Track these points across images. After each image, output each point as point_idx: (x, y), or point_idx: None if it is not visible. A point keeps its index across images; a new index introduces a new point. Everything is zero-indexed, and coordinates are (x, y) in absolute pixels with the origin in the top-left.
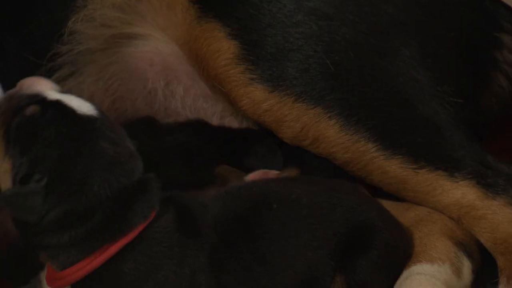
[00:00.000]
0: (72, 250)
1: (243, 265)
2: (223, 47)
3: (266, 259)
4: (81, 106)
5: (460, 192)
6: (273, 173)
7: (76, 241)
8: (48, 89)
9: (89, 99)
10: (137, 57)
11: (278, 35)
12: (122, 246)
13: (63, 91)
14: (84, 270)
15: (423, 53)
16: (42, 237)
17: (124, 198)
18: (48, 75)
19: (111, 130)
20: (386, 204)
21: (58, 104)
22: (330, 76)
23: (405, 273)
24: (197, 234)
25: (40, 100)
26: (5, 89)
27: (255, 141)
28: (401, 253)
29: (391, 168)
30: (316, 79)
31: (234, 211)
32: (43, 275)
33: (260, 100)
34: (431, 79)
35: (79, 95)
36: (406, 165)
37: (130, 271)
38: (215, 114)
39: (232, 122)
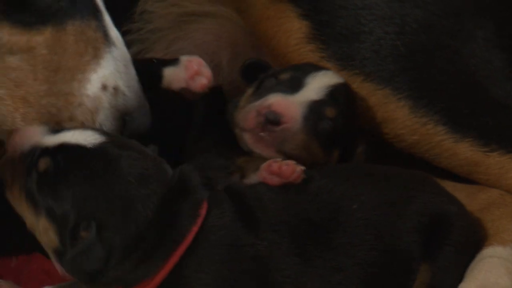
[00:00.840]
0: (135, 272)
1: (319, 273)
2: (294, 26)
3: (345, 265)
4: (85, 137)
5: None
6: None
7: (137, 265)
8: (42, 135)
9: None
10: (204, 33)
11: (350, 17)
12: (182, 254)
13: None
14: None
15: (499, 34)
16: (108, 275)
17: (168, 206)
18: None
19: (126, 147)
20: (457, 186)
21: (63, 147)
22: (401, 58)
23: (478, 256)
24: (259, 230)
25: (43, 151)
26: None
27: None
28: (477, 237)
29: (461, 150)
30: (387, 60)
31: (307, 217)
32: None
33: None
34: (506, 61)
35: None
36: (476, 148)
37: (195, 277)
38: None
39: None
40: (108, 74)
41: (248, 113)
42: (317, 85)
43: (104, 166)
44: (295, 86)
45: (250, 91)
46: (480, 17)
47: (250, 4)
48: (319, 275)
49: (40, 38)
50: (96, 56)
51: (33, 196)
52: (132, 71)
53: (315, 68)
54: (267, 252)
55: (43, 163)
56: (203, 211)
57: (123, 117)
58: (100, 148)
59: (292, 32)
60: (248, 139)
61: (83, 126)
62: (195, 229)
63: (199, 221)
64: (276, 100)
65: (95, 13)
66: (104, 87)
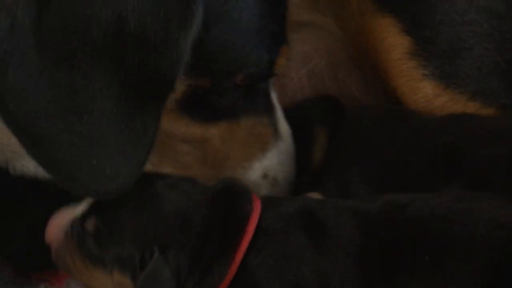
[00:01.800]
0: (206, 280)
1: None
2: (397, 41)
3: None
4: None
5: None
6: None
7: (205, 274)
8: (77, 209)
9: None
10: (302, 42)
11: (450, 33)
12: (243, 254)
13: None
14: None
15: None
16: None
17: (219, 211)
18: None
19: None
20: None
21: (98, 203)
22: (503, 75)
23: None
24: (324, 245)
25: (83, 217)
26: None
27: None
28: None
29: None
30: (489, 78)
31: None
32: None
33: (433, 96)
34: None
35: None
36: None
37: (259, 275)
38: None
39: None
40: (270, 165)
41: None
42: None
43: (144, 193)
44: None
45: None
46: None
47: (351, 14)
48: None
49: (215, 131)
50: (263, 149)
51: (97, 258)
52: (292, 164)
53: None
54: (330, 270)
55: (91, 225)
56: (254, 212)
57: None
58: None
59: (395, 47)
60: None
61: None
62: (250, 229)
63: (253, 222)
64: None
65: (270, 110)
66: (264, 176)
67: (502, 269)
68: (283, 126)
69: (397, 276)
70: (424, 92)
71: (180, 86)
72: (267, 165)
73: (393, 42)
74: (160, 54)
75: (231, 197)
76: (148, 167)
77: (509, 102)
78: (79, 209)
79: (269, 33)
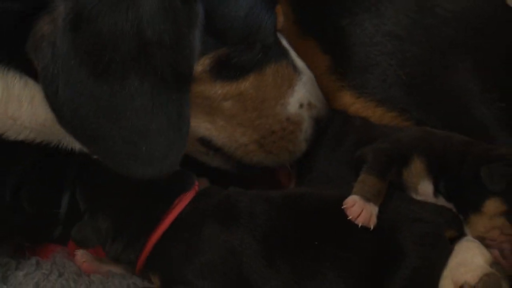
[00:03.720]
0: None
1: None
2: (319, 59)
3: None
4: None
5: None
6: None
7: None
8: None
9: None
10: None
11: (361, 52)
12: (157, 239)
13: None
14: (141, 258)
15: (476, 66)
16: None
17: (146, 200)
18: None
19: None
20: None
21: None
22: (403, 85)
23: (459, 242)
24: (235, 228)
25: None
26: None
27: None
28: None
29: None
30: (392, 88)
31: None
32: None
33: (349, 104)
34: (480, 87)
35: None
36: None
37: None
38: None
39: None
40: (302, 96)
41: None
42: None
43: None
44: None
45: None
46: (461, 53)
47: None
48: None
49: (246, 83)
50: (291, 85)
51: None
52: (317, 87)
53: None
54: (241, 250)
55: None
56: (180, 202)
57: (317, 122)
58: None
59: (318, 64)
60: None
61: (291, 134)
62: (170, 217)
63: (174, 212)
64: None
65: (284, 54)
66: (301, 105)
67: (384, 261)
68: (299, 62)
69: (293, 257)
70: (342, 100)
71: (205, 61)
72: (299, 97)
73: (316, 60)
74: (176, 52)
75: (166, 185)
76: (208, 126)
77: (407, 107)
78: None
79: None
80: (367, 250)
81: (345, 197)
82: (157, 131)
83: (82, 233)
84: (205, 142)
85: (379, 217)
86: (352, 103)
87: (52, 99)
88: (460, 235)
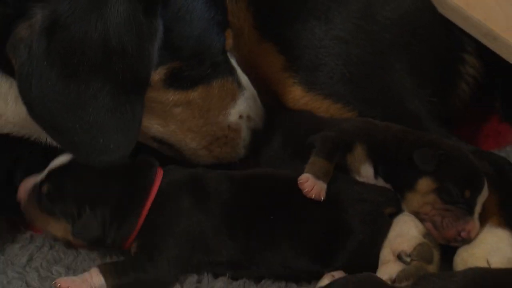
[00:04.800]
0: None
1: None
2: (275, 59)
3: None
4: (60, 160)
5: None
6: None
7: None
8: (38, 177)
9: None
10: None
11: (311, 53)
12: (147, 211)
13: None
14: (133, 235)
15: (411, 65)
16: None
17: (127, 184)
18: None
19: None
20: None
21: (51, 173)
22: (347, 82)
23: (397, 217)
24: (203, 204)
25: (42, 182)
26: None
27: None
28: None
29: None
30: (338, 84)
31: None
32: None
33: (299, 97)
34: (414, 83)
35: None
36: None
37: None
38: None
39: None
40: (242, 108)
41: None
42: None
43: (78, 165)
44: None
45: None
46: (398, 54)
47: (244, 42)
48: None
49: (195, 93)
50: (233, 98)
51: (50, 211)
52: (258, 102)
53: None
54: (207, 223)
55: (45, 188)
56: (156, 181)
57: (254, 133)
58: (71, 160)
59: (274, 63)
60: None
61: (232, 141)
62: (153, 192)
63: (155, 187)
64: None
65: (231, 71)
66: (240, 116)
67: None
68: (244, 79)
69: (253, 230)
70: (293, 94)
71: (161, 71)
72: (240, 109)
73: (272, 59)
74: (136, 60)
75: (141, 170)
76: (160, 129)
77: (351, 100)
78: (39, 177)
79: (216, 22)
80: (317, 224)
81: (298, 177)
82: (113, 126)
83: (89, 230)
84: (157, 140)
85: (328, 195)
86: (303, 96)
87: (25, 94)
88: (398, 211)
